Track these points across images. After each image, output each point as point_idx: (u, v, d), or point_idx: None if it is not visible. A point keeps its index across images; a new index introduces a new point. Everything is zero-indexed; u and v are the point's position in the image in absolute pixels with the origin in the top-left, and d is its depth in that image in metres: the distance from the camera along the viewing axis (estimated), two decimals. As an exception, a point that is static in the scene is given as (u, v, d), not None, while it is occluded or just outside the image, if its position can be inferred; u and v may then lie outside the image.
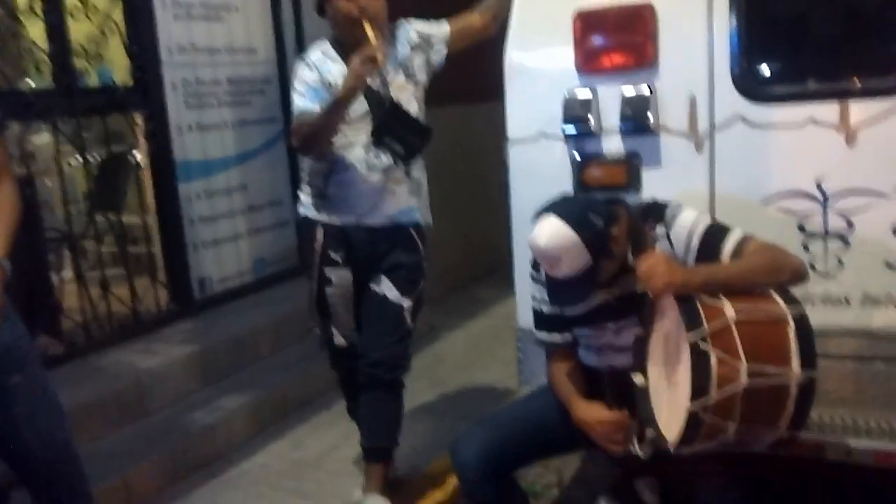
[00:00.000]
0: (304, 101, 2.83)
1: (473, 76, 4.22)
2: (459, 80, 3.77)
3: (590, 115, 2.58)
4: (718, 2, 2.45)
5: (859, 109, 2.32)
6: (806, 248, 2.41)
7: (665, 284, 1.98)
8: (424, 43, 2.97)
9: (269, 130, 4.97)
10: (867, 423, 2.35)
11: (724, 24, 2.45)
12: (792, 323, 1.95)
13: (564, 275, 2.13)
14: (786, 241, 2.25)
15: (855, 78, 2.36)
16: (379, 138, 2.80)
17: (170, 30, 4.34)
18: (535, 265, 2.37)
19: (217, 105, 4.64)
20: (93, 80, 4.37)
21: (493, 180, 3.11)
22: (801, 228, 2.42)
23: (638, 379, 2.13)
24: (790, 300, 2.00)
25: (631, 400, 2.17)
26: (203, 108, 4.55)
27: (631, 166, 2.59)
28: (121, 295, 4.21)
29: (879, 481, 2.48)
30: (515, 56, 2.72)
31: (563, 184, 2.62)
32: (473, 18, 3.04)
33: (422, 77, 2.97)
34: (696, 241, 2.16)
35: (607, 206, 2.21)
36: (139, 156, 4.56)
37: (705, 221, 2.19)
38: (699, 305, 1.95)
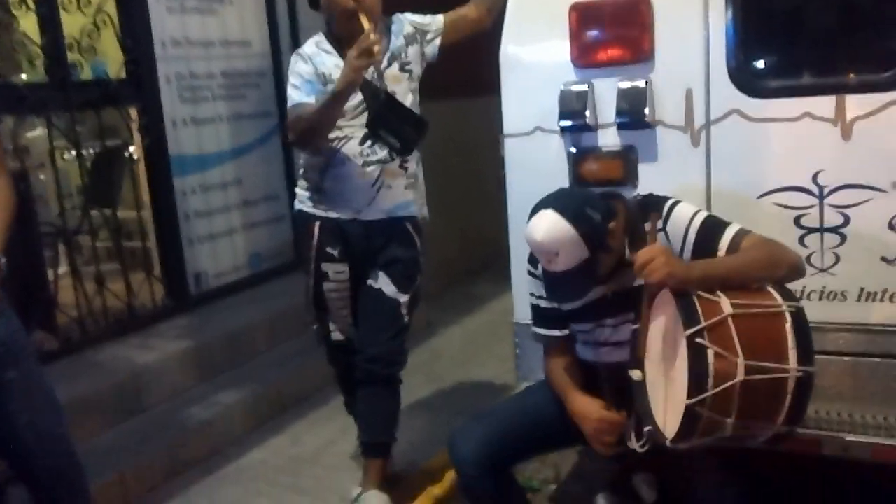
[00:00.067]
0: (300, 93, 2.82)
1: (469, 70, 4.20)
2: (455, 73, 3.76)
3: (586, 109, 2.57)
4: (714, -5, 2.45)
5: (856, 104, 2.31)
6: (802, 242, 2.41)
7: (664, 276, 1.97)
8: (419, 35, 2.96)
9: (264, 124, 4.95)
10: (864, 419, 2.36)
11: (720, 17, 2.44)
12: (789, 318, 1.94)
13: (562, 269, 2.13)
14: (782, 235, 2.24)
15: (851, 72, 2.35)
16: (374, 131, 2.79)
17: (164, 23, 4.32)
18: (533, 260, 2.36)
19: (211, 99, 4.63)
20: (86, 74, 4.34)
21: (490, 174, 3.10)
22: (798, 223, 2.42)
23: (635, 374, 2.13)
24: (787, 295, 2.00)
25: (628, 395, 2.17)
26: (197, 101, 4.54)
27: (627, 160, 2.58)
28: (116, 290, 4.20)
29: (876, 477, 2.48)
30: (511, 50, 2.71)
31: (560, 178, 2.61)
32: (468, 10, 3.04)
33: (416, 69, 2.96)
34: (692, 236, 2.15)
35: (605, 201, 2.21)
36: (134, 150, 4.54)
37: (702, 215, 2.19)
38: (696, 300, 1.95)
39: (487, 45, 2.84)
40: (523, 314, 2.59)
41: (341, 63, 2.79)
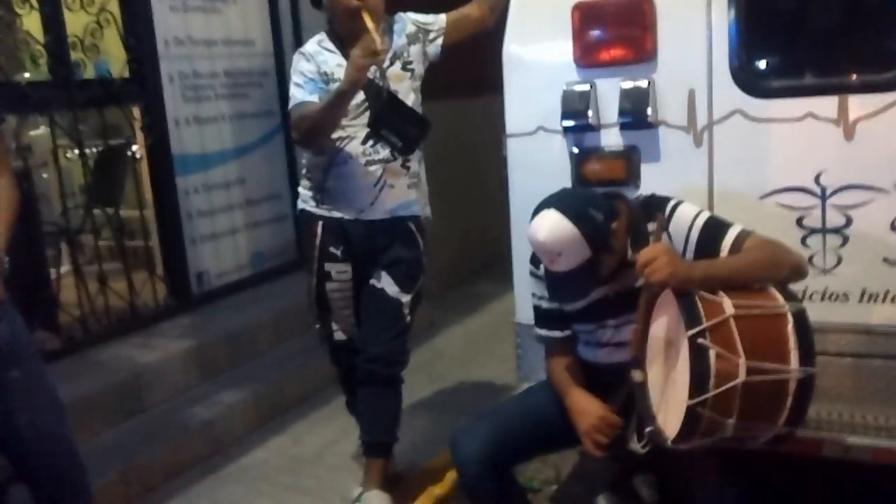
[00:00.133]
0: (303, 92, 2.82)
1: (472, 69, 4.20)
2: (458, 73, 3.75)
3: (588, 109, 2.57)
4: (717, -5, 2.45)
5: (858, 104, 2.31)
6: (804, 243, 2.41)
7: (666, 276, 1.97)
8: (421, 34, 2.96)
9: (267, 124, 4.95)
10: (865, 420, 2.35)
11: (723, 17, 2.44)
12: (791, 319, 1.94)
13: (564, 269, 2.12)
14: (784, 236, 2.24)
15: (854, 72, 2.35)
16: (376, 130, 2.79)
17: (167, 22, 4.32)
18: (535, 261, 2.36)
19: (214, 98, 4.63)
20: (89, 73, 4.34)
21: (492, 174, 3.10)
22: (800, 223, 2.42)
23: (637, 374, 2.13)
24: (789, 296, 2.00)
25: (630, 396, 2.17)
26: (200, 100, 4.54)
27: (630, 160, 2.58)
28: (118, 289, 4.20)
29: (877, 478, 2.47)
30: (514, 49, 2.71)
31: (562, 178, 2.61)
32: (471, 9, 3.03)
33: (419, 68, 2.96)
34: (695, 236, 2.15)
35: (607, 201, 2.21)
36: (136, 149, 4.55)
37: (704, 216, 2.18)
38: (698, 301, 1.95)
39: (490, 44, 2.84)
40: (525, 314, 2.59)
41: (343, 62, 2.79)
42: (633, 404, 2.16)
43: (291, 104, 2.84)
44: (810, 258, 2.39)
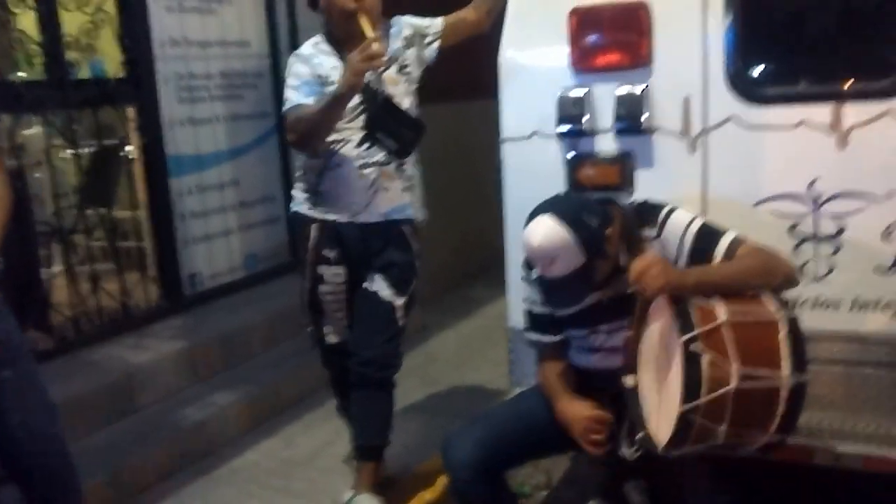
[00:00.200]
0: (298, 95, 2.82)
1: (469, 73, 4.21)
2: (455, 76, 3.76)
3: (584, 115, 2.57)
4: (713, 1, 2.45)
5: (852, 112, 2.32)
6: (797, 251, 2.41)
7: (658, 286, 1.98)
8: (417, 37, 2.96)
9: (262, 125, 4.94)
10: (856, 428, 2.36)
11: (718, 24, 2.44)
12: (783, 326, 1.95)
13: (558, 275, 2.13)
14: (777, 243, 2.25)
15: (848, 80, 2.35)
16: (372, 133, 2.79)
17: (162, 22, 4.31)
18: (528, 265, 2.36)
19: (209, 99, 4.62)
20: (84, 73, 4.35)
21: (488, 178, 3.11)
22: (793, 231, 2.42)
23: (629, 380, 2.13)
24: (782, 303, 2.01)
25: (622, 402, 2.17)
26: (195, 102, 4.53)
27: (624, 166, 2.58)
28: (111, 290, 4.19)
29: (868, 486, 2.48)
30: (510, 53, 2.71)
31: (557, 183, 2.61)
32: (467, 13, 3.04)
33: (415, 72, 2.96)
34: (688, 242, 2.16)
35: (602, 207, 2.22)
36: (130, 149, 4.54)
37: (698, 223, 2.19)
38: (691, 307, 1.95)
39: (487, 48, 2.85)
40: (518, 319, 2.59)
41: (339, 64, 2.79)
42: (626, 410, 2.16)
43: (287, 106, 2.84)
44: (803, 266, 2.39)
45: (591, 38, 2.58)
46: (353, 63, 2.61)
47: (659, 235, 2.18)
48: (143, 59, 4.23)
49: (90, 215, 4.33)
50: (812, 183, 2.38)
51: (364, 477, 3.01)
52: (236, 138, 4.78)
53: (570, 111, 2.58)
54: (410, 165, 2.96)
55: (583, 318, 2.32)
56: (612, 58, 2.56)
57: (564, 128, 2.60)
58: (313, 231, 2.94)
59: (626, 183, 2.58)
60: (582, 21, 2.57)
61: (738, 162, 2.46)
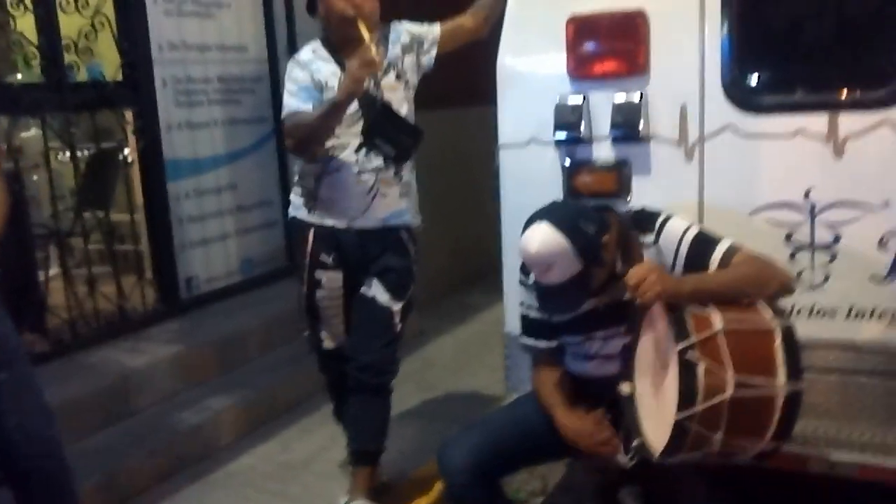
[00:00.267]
0: (296, 100, 2.82)
1: (466, 79, 4.21)
2: (453, 82, 3.76)
3: (581, 122, 2.58)
4: (710, 10, 2.46)
5: (848, 121, 2.33)
6: (793, 259, 2.42)
7: (655, 294, 1.98)
8: (415, 44, 2.97)
9: (259, 130, 4.95)
10: (852, 437, 2.36)
11: (715, 32, 2.45)
12: (779, 334, 1.95)
13: (555, 281, 2.13)
14: (773, 251, 2.26)
15: (844, 90, 2.37)
16: (369, 139, 2.80)
17: (161, 26, 4.32)
18: (525, 270, 2.36)
19: (207, 103, 4.62)
20: (82, 76, 4.34)
21: (485, 184, 3.11)
22: (789, 239, 2.43)
23: (625, 388, 2.14)
24: (777, 311, 2.01)
25: (618, 408, 2.18)
26: (193, 105, 4.53)
27: (621, 173, 2.59)
28: (107, 293, 4.19)
29: (864, 495, 2.48)
30: (508, 61, 2.72)
31: (554, 189, 2.62)
32: (465, 20, 3.04)
33: (412, 78, 2.97)
34: (684, 250, 2.16)
35: (598, 214, 2.22)
36: (128, 153, 4.54)
37: (694, 230, 2.20)
38: (687, 315, 1.96)
39: (484, 54, 2.85)
40: (514, 325, 2.59)
41: (338, 70, 2.80)
42: (622, 417, 2.16)
43: (285, 112, 2.84)
44: (799, 274, 2.40)
45: (589, 46, 2.59)
46: (352, 70, 2.62)
47: (655, 243, 2.19)
48: (141, 63, 4.24)
49: (87, 218, 4.33)
50: (808, 192, 2.39)
51: (360, 482, 3.01)
52: (234, 142, 4.79)
53: (568, 118, 2.59)
54: (407, 171, 2.96)
55: (578, 324, 2.32)
56: (610, 66, 2.57)
57: (561, 135, 2.61)
58: (311, 236, 2.94)
59: (623, 190, 2.58)
60: (579, 29, 2.58)
61: (734, 170, 2.47)
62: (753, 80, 2.53)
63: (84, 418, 3.46)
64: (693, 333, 1.92)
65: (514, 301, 2.54)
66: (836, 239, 2.38)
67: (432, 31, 3.00)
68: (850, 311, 2.39)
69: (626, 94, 2.53)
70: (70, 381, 3.59)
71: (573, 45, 2.59)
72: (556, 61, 2.61)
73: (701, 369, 1.89)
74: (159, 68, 4.32)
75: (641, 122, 2.52)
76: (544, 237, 2.08)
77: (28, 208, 3.97)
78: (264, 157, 4.99)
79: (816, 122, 2.36)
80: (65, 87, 3.97)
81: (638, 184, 2.57)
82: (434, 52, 2.99)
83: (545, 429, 2.32)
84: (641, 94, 2.52)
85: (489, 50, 2.78)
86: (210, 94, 4.63)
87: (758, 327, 1.97)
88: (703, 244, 2.15)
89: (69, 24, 4.03)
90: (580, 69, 2.60)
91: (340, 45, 2.84)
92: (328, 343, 3.06)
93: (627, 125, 2.53)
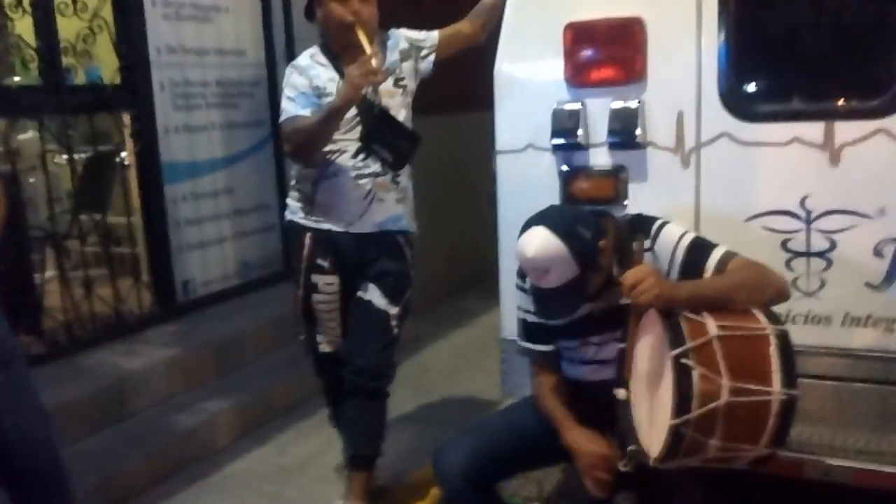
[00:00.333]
0: (295, 106, 2.82)
1: (463, 85, 4.22)
2: (450, 88, 3.77)
3: (578, 128, 2.59)
4: (707, 18, 2.47)
5: (844, 130, 2.34)
6: (789, 266, 2.43)
7: (653, 298, 1.99)
8: (414, 50, 2.98)
9: (257, 133, 4.95)
10: (847, 443, 2.37)
11: (712, 40, 2.46)
12: (774, 341, 1.96)
13: (551, 286, 2.14)
14: (769, 258, 2.26)
15: (841, 99, 2.38)
16: (368, 145, 2.81)
17: (159, 29, 4.32)
18: (521, 274, 2.37)
19: (205, 107, 4.62)
20: (80, 79, 4.34)
21: (482, 190, 3.12)
22: (785, 247, 2.44)
23: (620, 393, 2.14)
24: (772, 318, 2.02)
25: (614, 413, 2.18)
26: (191, 109, 4.54)
27: (618, 179, 2.60)
28: (104, 295, 4.18)
29: (858, 500, 2.49)
30: (505, 67, 2.73)
31: (551, 195, 2.63)
32: (463, 26, 3.07)
33: (411, 84, 2.98)
34: (680, 256, 2.17)
35: (595, 219, 2.23)
36: (125, 156, 4.54)
37: (690, 237, 2.21)
38: (682, 321, 1.96)
39: (482, 60, 2.86)
40: (511, 330, 2.60)
41: (336, 76, 2.81)
42: (617, 422, 2.17)
43: (283, 117, 2.85)
44: (794, 281, 2.41)
45: (586, 53, 2.60)
46: (352, 77, 2.63)
47: (651, 248, 2.20)
48: (139, 66, 4.24)
49: (84, 221, 4.32)
50: (804, 199, 2.40)
51: (355, 486, 3.01)
52: (231, 146, 4.79)
53: (565, 124, 2.60)
54: (404, 177, 2.97)
55: (574, 329, 2.33)
56: (607, 72, 2.58)
57: (559, 141, 2.61)
58: (307, 240, 2.95)
59: (620, 196, 2.59)
60: (577, 36, 2.59)
61: (730, 177, 2.48)
62: (750, 87, 2.55)
63: (80, 420, 3.46)
64: (688, 339, 1.92)
65: (511, 306, 2.54)
66: (832, 246, 2.40)
67: (430, 38, 3.01)
68: (845, 318, 2.41)
69: (623, 100, 2.54)
70: (66, 383, 3.59)
71: (570, 52, 2.60)
72: (553, 68, 2.62)
73: (696, 375, 1.89)
74: (157, 72, 4.32)
75: (638, 128, 2.53)
76: (541, 241, 2.09)
77: (25, 210, 3.96)
78: (261, 160, 4.99)
79: (813, 130, 2.37)
80: (62, 89, 3.97)
81: (634, 190, 2.58)
82: (433, 59, 3.00)
83: (541, 434, 2.33)
84: (638, 101, 2.53)
85: (486, 56, 2.79)
86: (208, 97, 4.64)
87: (753, 333, 1.97)
88: (698, 250, 2.16)
89: (67, 26, 4.03)
90: (577, 76, 2.61)
91: (339, 50, 2.85)
92: (325, 347, 3.06)
93: (624, 132, 2.54)
